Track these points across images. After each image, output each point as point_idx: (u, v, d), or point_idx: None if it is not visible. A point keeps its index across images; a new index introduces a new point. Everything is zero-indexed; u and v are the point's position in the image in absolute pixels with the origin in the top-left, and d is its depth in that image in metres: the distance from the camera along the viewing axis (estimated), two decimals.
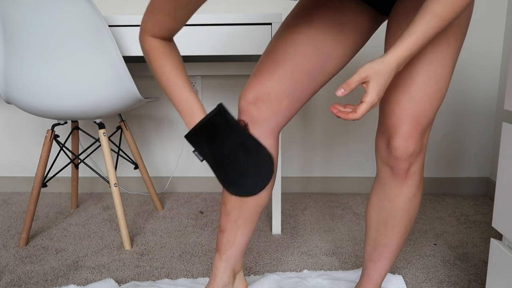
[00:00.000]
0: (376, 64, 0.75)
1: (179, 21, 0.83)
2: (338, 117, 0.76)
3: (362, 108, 0.75)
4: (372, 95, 0.75)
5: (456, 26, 0.86)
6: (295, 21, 0.96)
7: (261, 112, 0.93)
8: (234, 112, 2.08)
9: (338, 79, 2.03)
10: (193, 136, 0.83)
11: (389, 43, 0.92)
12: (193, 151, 0.85)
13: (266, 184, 0.83)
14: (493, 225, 0.91)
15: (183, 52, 1.50)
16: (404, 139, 0.88)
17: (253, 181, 0.83)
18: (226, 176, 0.83)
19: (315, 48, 0.93)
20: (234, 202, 0.99)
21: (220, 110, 0.81)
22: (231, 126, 0.82)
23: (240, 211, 0.99)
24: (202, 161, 0.85)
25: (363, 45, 1.00)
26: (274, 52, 0.95)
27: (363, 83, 0.75)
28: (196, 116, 0.84)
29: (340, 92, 0.74)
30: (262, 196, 1.00)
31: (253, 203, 0.99)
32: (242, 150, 0.82)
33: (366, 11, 0.96)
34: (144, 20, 0.84)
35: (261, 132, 0.95)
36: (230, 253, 1.03)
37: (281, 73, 0.93)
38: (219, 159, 0.83)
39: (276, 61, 0.94)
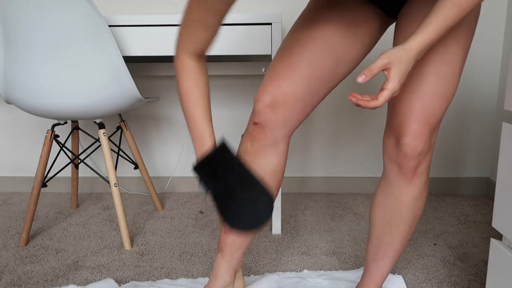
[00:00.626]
0: (398, 50, 0.74)
1: (211, 30, 0.85)
2: (358, 105, 0.74)
3: (384, 95, 0.74)
4: (394, 82, 0.74)
5: (466, 27, 0.87)
6: (310, 23, 0.97)
7: (278, 116, 0.94)
8: (234, 112, 2.08)
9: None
10: (198, 170, 0.86)
11: (399, 37, 0.92)
12: (199, 183, 0.88)
13: (265, 221, 0.84)
14: (493, 225, 0.91)
15: None
16: (414, 137, 0.88)
17: (251, 218, 0.84)
18: (226, 211, 0.85)
19: (330, 52, 0.94)
20: None
21: (222, 148, 0.84)
22: (232, 163, 0.84)
23: None
24: (206, 193, 0.87)
25: (372, 48, 1.01)
26: (290, 54, 0.95)
27: (384, 70, 0.75)
28: (206, 144, 0.87)
29: (361, 79, 0.73)
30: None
31: None
32: (241, 186, 0.84)
33: (377, 14, 0.97)
34: (178, 37, 0.87)
35: (276, 135, 0.95)
36: (233, 253, 1.03)
37: (298, 76, 0.93)
38: (220, 194, 0.85)
39: (293, 64, 0.94)
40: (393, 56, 0.74)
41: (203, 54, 0.91)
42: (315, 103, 0.98)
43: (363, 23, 0.96)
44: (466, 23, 0.87)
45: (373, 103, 0.74)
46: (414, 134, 0.88)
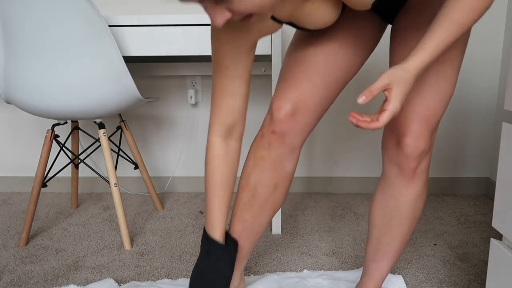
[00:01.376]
0: (399, 71, 0.73)
1: (237, 97, 0.88)
2: (358, 126, 0.73)
3: (385, 116, 0.73)
4: (395, 103, 0.73)
5: None
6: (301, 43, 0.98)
7: (299, 124, 0.93)
8: None
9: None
10: (203, 240, 0.97)
11: (396, 49, 0.93)
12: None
13: None
14: (493, 225, 0.91)
15: (184, 52, 1.50)
16: (415, 137, 0.88)
17: None
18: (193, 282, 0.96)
19: (342, 55, 0.94)
20: (255, 209, 0.99)
21: (223, 263, 0.95)
22: (220, 275, 0.95)
23: (259, 218, 1.00)
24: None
25: (372, 52, 1.02)
26: (305, 59, 0.94)
27: (384, 90, 0.74)
28: (213, 231, 0.95)
29: (361, 100, 0.72)
30: (279, 204, 1.01)
31: (272, 210, 1.01)
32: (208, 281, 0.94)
33: (376, 20, 0.98)
34: (210, 115, 0.91)
35: (295, 143, 0.95)
36: (241, 257, 1.04)
37: (318, 80, 0.92)
38: (198, 272, 0.96)
39: (310, 69, 0.93)
40: (393, 76, 0.73)
41: (236, 132, 0.92)
42: (328, 107, 0.98)
43: (367, 27, 0.96)
44: None
45: (373, 125, 0.73)
46: (415, 134, 0.88)
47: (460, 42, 0.87)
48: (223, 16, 0.65)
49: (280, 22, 0.84)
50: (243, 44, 0.84)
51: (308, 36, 0.97)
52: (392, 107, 0.73)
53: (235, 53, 0.84)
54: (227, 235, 0.98)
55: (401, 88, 0.73)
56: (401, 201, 0.96)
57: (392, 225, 0.98)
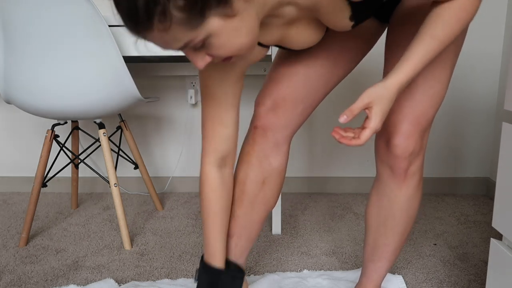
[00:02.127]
0: (379, 89, 0.75)
1: (229, 125, 0.89)
2: (341, 143, 0.76)
3: (366, 134, 0.75)
4: (375, 121, 0.75)
5: None
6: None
7: (279, 118, 0.95)
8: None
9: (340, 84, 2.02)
10: (201, 272, 0.97)
11: (389, 49, 0.93)
12: (195, 275, 0.99)
13: None
14: (493, 225, 0.91)
15: None
16: (404, 137, 0.88)
17: None
18: None
19: (326, 52, 0.95)
20: (246, 206, 1.00)
21: (231, 279, 0.97)
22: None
23: (251, 215, 1.01)
24: (195, 281, 0.99)
25: (368, 51, 1.02)
26: (288, 58, 0.97)
27: (365, 108, 0.76)
28: (214, 259, 0.96)
29: (342, 119, 0.74)
30: (270, 201, 1.02)
31: (263, 207, 1.01)
32: None
33: (372, 21, 0.97)
34: (202, 143, 0.91)
35: (278, 138, 0.96)
36: (236, 255, 1.03)
37: (296, 79, 0.94)
38: None
39: (291, 68, 0.95)
40: (374, 95, 0.75)
41: (230, 160, 0.94)
42: (315, 104, 0.99)
43: (360, 28, 0.96)
44: None
45: (355, 142, 0.75)
46: (404, 135, 0.88)
47: (453, 44, 0.87)
48: (203, 60, 0.67)
49: (266, 46, 0.86)
50: (232, 74, 0.86)
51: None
52: (373, 125, 0.75)
53: (224, 83, 0.86)
54: (229, 261, 1.00)
55: (381, 106, 0.75)
56: (394, 202, 0.96)
57: (387, 225, 0.99)
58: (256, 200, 1.00)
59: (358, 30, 0.96)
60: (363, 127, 0.75)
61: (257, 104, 0.97)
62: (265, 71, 1.92)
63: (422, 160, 0.93)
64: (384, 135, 0.92)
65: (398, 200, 0.95)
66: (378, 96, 0.75)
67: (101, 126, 1.53)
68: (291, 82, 0.95)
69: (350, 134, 0.76)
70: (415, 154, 0.90)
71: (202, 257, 0.98)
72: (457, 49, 0.89)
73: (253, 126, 0.98)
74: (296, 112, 0.96)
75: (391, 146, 0.90)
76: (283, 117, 0.95)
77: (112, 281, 1.26)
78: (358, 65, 2.00)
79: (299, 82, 0.94)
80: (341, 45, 0.95)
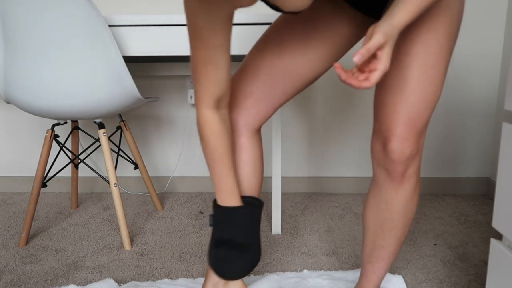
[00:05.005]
0: (388, 28, 0.71)
1: (221, 67, 0.86)
2: (347, 83, 0.71)
3: (376, 76, 0.70)
4: (387, 62, 0.71)
5: (448, 27, 0.86)
6: (271, 28, 0.99)
7: (242, 119, 0.96)
8: None
9: (334, 82, 2.02)
10: (216, 213, 0.94)
11: None
12: (210, 216, 0.96)
13: (241, 276, 0.95)
14: (493, 225, 0.91)
15: (184, 52, 1.50)
16: (400, 141, 0.87)
17: (231, 270, 0.94)
18: (216, 253, 0.94)
19: (287, 59, 0.95)
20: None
21: (250, 211, 0.93)
22: (249, 226, 0.93)
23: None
24: (210, 226, 0.96)
25: (349, 49, 0.99)
26: (251, 60, 0.98)
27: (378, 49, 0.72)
28: (231, 199, 0.93)
29: (357, 58, 0.69)
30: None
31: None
32: (242, 246, 0.93)
33: (349, 16, 0.95)
34: (195, 90, 0.89)
35: (243, 136, 0.97)
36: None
37: (258, 78, 0.95)
38: (221, 239, 0.93)
39: (244, 65, 0.96)
40: (387, 35, 0.71)
41: (225, 101, 0.92)
42: (282, 100, 0.98)
43: (331, 25, 0.94)
44: (449, 24, 0.85)
45: (364, 84, 0.70)
46: (400, 138, 0.87)
47: (444, 42, 0.86)
48: None
49: None
50: (220, 13, 0.81)
51: (262, 38, 0.99)
52: (383, 66, 0.71)
53: (213, 23, 0.81)
54: (244, 197, 0.99)
55: (391, 46, 0.71)
56: (391, 205, 0.95)
57: (385, 228, 0.98)
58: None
59: (334, 26, 0.94)
60: (370, 70, 0.72)
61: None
62: None
63: (419, 163, 0.93)
64: (380, 139, 0.91)
65: (395, 203, 0.95)
66: (390, 36, 0.71)
67: (101, 126, 1.53)
68: (254, 80, 0.95)
69: (362, 77, 0.72)
70: (411, 157, 0.90)
71: (215, 201, 0.95)
72: (451, 48, 0.87)
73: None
74: (253, 109, 0.96)
75: (388, 150, 0.89)
76: (243, 117, 0.96)
77: (112, 281, 1.26)
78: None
79: (260, 80, 0.95)
80: (303, 45, 0.95)
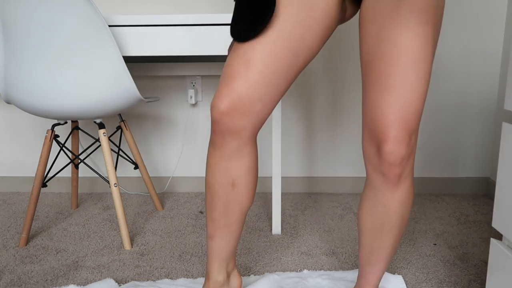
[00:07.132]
0: None
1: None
2: None
3: None
4: None
5: (435, 22, 0.85)
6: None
7: (237, 121, 0.89)
8: None
9: (334, 82, 2.03)
10: None
11: (363, 28, 0.89)
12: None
13: (260, 25, 0.87)
14: (493, 225, 0.91)
15: (184, 52, 1.50)
16: (396, 143, 0.86)
17: (247, 25, 0.88)
18: (238, 18, 0.90)
19: (284, 43, 0.88)
20: (220, 209, 0.98)
21: None
22: None
23: (226, 217, 0.99)
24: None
25: (332, 32, 0.96)
26: (242, 53, 0.90)
27: None
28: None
29: None
30: (245, 201, 0.99)
31: (237, 208, 0.99)
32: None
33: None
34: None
35: (240, 141, 0.92)
36: (221, 257, 1.03)
37: (251, 76, 0.88)
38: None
39: (246, 63, 0.88)
40: None
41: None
42: (277, 99, 0.93)
43: (320, 7, 0.90)
44: (435, 16, 0.84)
45: None
46: (396, 140, 0.86)
47: (435, 37, 0.85)
48: None
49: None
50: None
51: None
52: None
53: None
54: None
55: None
56: (389, 207, 0.94)
57: (383, 230, 0.98)
58: (230, 203, 0.97)
59: (322, 9, 0.90)
60: None
61: (211, 108, 0.91)
62: None
63: (413, 162, 0.91)
64: (374, 141, 0.89)
65: (392, 205, 0.94)
66: None
67: (101, 126, 1.54)
68: (245, 80, 0.88)
69: None
70: (407, 158, 0.88)
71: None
72: (436, 43, 0.86)
73: (212, 130, 0.92)
74: (254, 111, 0.90)
75: (383, 153, 0.87)
76: (240, 120, 0.89)
77: (112, 281, 1.26)
78: (355, 64, 2.00)
79: (255, 79, 0.88)
80: (301, 29, 0.89)
